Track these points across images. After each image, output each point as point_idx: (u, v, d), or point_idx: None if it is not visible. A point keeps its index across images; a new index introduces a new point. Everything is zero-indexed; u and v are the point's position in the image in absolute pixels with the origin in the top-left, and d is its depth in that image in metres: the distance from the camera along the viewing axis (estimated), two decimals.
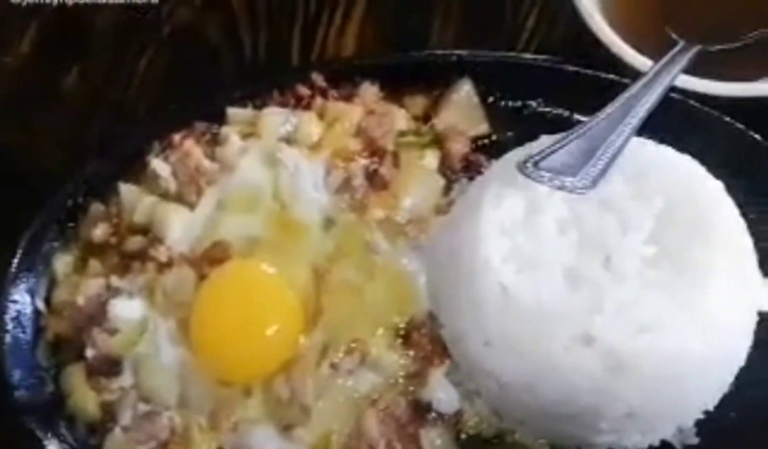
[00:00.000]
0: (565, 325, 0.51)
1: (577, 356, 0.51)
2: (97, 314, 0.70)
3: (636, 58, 0.69)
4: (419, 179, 0.75)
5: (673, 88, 0.66)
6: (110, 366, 0.69)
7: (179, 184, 0.75)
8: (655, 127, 0.60)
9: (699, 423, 0.61)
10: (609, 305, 0.51)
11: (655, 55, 0.68)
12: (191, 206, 0.74)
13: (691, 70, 0.67)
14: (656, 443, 0.61)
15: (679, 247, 0.53)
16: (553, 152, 0.52)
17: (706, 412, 0.60)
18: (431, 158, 0.77)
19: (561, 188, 0.53)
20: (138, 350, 0.69)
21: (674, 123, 0.65)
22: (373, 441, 0.64)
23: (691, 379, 0.53)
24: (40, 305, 0.74)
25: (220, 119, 0.80)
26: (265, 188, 0.74)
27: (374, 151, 0.76)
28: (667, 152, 0.59)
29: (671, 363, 0.51)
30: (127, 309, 0.70)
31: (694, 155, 0.60)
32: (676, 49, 0.64)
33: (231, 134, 0.77)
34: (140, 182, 0.77)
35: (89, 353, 0.69)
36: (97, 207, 0.77)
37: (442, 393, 0.65)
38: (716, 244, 0.53)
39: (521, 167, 0.53)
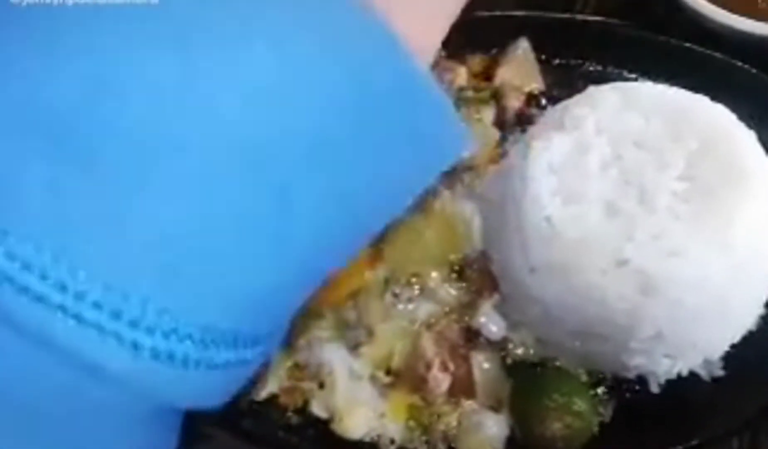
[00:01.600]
0: (602, 251, 0.58)
1: (613, 277, 0.58)
2: None
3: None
4: (476, 131, 0.81)
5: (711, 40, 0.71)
6: None
7: None
8: (692, 82, 0.66)
9: (726, 357, 0.67)
10: (640, 233, 0.58)
11: None
12: None
13: None
14: (685, 372, 0.68)
15: (709, 185, 0.58)
16: None
17: (734, 347, 0.66)
18: (488, 112, 0.83)
19: None
20: None
21: (708, 78, 0.70)
22: (428, 359, 0.72)
23: (713, 309, 0.58)
24: None
25: None
26: None
27: None
28: (703, 101, 0.64)
29: (694, 288, 0.57)
30: None
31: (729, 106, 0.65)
32: None
33: None
34: None
35: None
36: None
37: (490, 321, 0.73)
38: (743, 185, 0.58)
39: None
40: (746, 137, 0.62)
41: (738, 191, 0.58)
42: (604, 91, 0.65)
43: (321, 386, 0.75)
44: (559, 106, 0.70)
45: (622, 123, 0.62)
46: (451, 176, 0.79)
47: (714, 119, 0.62)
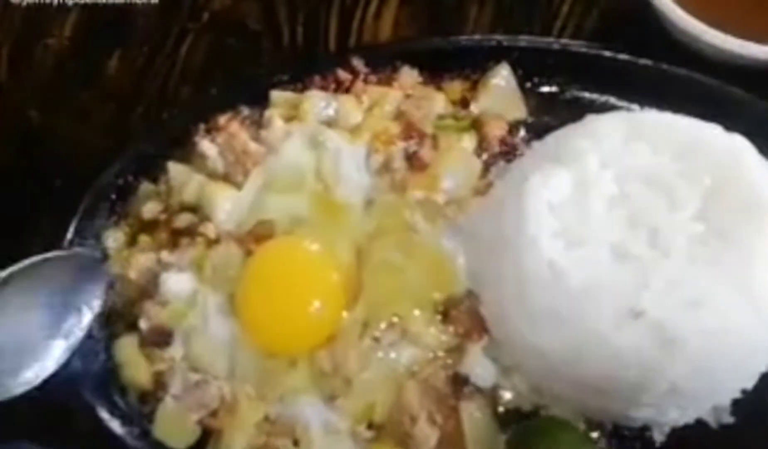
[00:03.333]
0: (613, 300, 0.53)
1: (626, 331, 0.52)
2: (149, 288, 0.73)
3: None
4: (457, 161, 0.77)
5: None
6: (162, 337, 0.72)
7: (226, 164, 0.77)
8: (700, 110, 0.62)
9: (735, 403, 0.63)
10: (656, 281, 0.53)
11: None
12: (238, 186, 0.76)
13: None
14: (691, 420, 0.63)
15: (726, 225, 0.54)
16: None
17: (743, 392, 0.62)
18: (469, 141, 0.78)
19: None
20: (188, 322, 0.72)
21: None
22: (413, 412, 0.66)
23: (734, 356, 0.54)
24: None
25: (262, 102, 0.82)
26: (308, 170, 0.77)
27: (413, 134, 0.78)
28: (714, 130, 0.60)
29: (718, 338, 0.52)
30: (177, 283, 0.73)
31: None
32: None
33: (274, 116, 0.80)
34: (187, 162, 0.80)
35: (142, 324, 0.72)
36: (146, 186, 0.80)
37: (479, 367, 0.67)
38: (763, 221, 0.54)
39: None
40: (762, 168, 0.57)
41: (758, 230, 0.53)
42: (605, 120, 0.60)
43: (296, 443, 0.68)
44: (554, 136, 0.65)
45: (627, 157, 0.57)
46: (433, 209, 0.74)
47: (729, 150, 0.57)
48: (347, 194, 0.75)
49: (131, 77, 0.94)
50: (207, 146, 0.78)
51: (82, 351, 0.74)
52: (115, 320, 0.75)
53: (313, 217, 0.75)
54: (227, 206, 0.75)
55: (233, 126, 0.79)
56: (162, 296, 0.73)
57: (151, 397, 0.72)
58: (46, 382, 0.72)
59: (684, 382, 0.54)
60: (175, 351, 0.72)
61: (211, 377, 0.70)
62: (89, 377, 0.73)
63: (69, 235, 0.77)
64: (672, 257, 0.53)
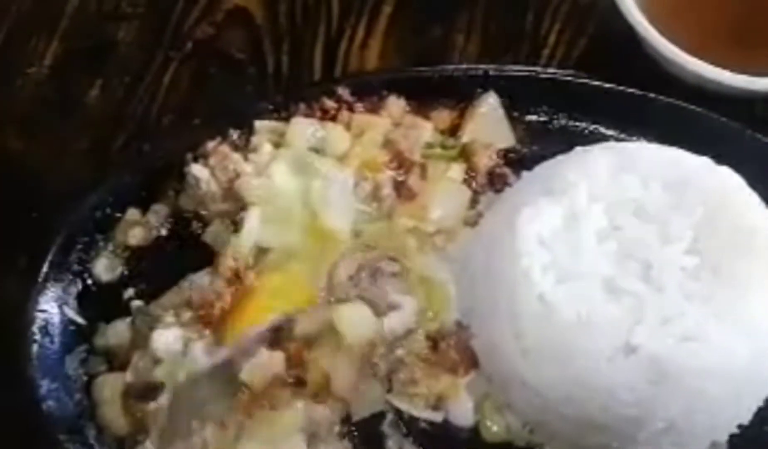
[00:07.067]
0: (606, 336, 0.52)
1: (620, 366, 0.51)
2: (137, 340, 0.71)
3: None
4: (446, 191, 0.75)
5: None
6: (150, 393, 0.68)
7: (219, 186, 0.76)
8: (691, 142, 0.62)
9: (732, 438, 0.61)
10: (650, 316, 0.52)
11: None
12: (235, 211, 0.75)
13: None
14: None
15: (719, 258, 0.53)
16: None
17: (740, 426, 0.60)
18: (457, 171, 0.77)
19: None
20: (179, 376, 0.68)
21: (709, 139, 0.67)
22: None
23: (730, 391, 0.53)
24: (71, 314, 0.74)
25: (246, 132, 0.81)
26: (296, 198, 0.75)
27: (401, 162, 0.77)
28: (705, 163, 0.59)
29: (713, 373, 0.51)
30: (170, 339, 0.69)
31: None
32: None
33: (263, 142, 0.78)
34: (167, 195, 0.78)
35: (128, 377, 0.69)
36: (133, 212, 0.78)
37: (460, 404, 0.64)
38: (756, 254, 0.53)
39: None
40: (752, 200, 0.57)
41: (749, 262, 0.52)
42: (594, 152, 0.59)
43: None
44: (543, 167, 0.64)
45: (617, 189, 0.56)
46: (422, 238, 0.73)
47: (718, 185, 0.57)
48: (336, 222, 0.74)
49: (112, 107, 0.92)
50: (198, 170, 0.76)
51: (57, 390, 0.71)
52: (94, 358, 0.73)
53: (302, 245, 0.73)
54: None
55: (223, 148, 0.77)
56: (153, 353, 0.69)
57: (129, 441, 0.69)
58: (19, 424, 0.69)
59: (680, 418, 0.52)
60: (160, 400, 0.68)
61: (196, 426, 0.67)
62: (63, 417, 0.70)
63: (44, 269, 0.75)
64: (666, 292, 0.52)
